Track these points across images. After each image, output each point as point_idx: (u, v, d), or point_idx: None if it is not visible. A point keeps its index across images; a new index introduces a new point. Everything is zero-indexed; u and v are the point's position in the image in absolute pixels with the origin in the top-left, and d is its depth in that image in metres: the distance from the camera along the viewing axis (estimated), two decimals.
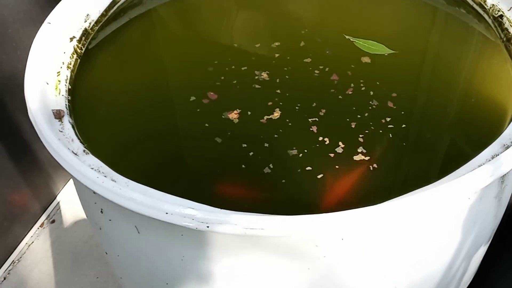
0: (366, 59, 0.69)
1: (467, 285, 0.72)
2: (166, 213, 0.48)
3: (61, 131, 0.59)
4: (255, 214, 0.47)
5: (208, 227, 0.47)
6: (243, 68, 0.69)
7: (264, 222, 0.46)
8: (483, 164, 0.50)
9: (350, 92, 0.66)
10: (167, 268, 0.57)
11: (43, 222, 1.35)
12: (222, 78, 0.68)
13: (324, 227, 0.46)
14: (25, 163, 1.28)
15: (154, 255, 0.57)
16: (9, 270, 1.26)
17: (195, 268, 0.55)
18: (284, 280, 0.54)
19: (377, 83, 0.67)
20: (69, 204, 1.40)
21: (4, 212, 1.24)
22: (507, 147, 0.52)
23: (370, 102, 0.64)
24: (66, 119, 0.60)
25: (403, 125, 0.62)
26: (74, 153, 0.55)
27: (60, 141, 0.55)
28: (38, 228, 1.34)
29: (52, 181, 1.39)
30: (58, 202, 1.39)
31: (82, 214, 1.38)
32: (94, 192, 0.57)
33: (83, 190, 0.61)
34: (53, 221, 1.36)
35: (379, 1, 0.84)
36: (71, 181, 1.44)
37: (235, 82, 0.68)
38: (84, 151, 0.56)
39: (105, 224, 0.60)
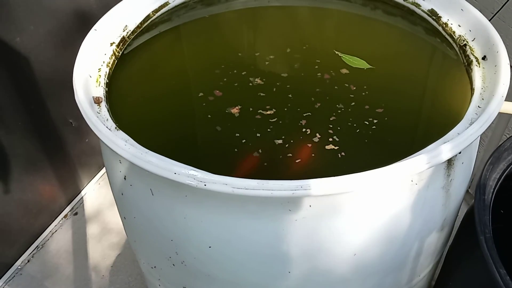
0: (345, 70, 0.87)
1: (428, 269, 0.87)
2: (175, 173, 0.66)
3: (99, 113, 0.78)
4: (240, 178, 0.64)
5: (205, 185, 0.65)
6: (243, 73, 0.89)
7: (247, 183, 0.63)
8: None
9: (328, 98, 0.84)
10: (173, 226, 0.74)
11: (67, 213, 1.52)
12: (225, 79, 0.88)
13: (293, 192, 0.63)
14: (56, 158, 1.44)
15: (163, 214, 0.74)
16: (33, 254, 1.42)
17: (194, 225, 0.72)
18: (263, 238, 0.70)
19: (354, 88, 0.85)
20: (91, 199, 1.56)
21: (34, 200, 1.40)
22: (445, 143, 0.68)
23: (338, 105, 0.82)
24: (103, 104, 0.79)
25: (372, 125, 0.79)
26: (108, 129, 0.74)
27: (98, 119, 0.74)
28: (62, 219, 1.51)
29: (79, 177, 1.55)
30: (82, 197, 1.56)
31: (102, 209, 1.56)
32: (120, 162, 0.76)
33: (111, 161, 0.80)
34: (76, 213, 1.53)
35: (372, 29, 1.03)
36: (95, 178, 1.61)
37: (236, 84, 0.87)
38: (115, 128, 0.75)
39: (127, 189, 0.78)
